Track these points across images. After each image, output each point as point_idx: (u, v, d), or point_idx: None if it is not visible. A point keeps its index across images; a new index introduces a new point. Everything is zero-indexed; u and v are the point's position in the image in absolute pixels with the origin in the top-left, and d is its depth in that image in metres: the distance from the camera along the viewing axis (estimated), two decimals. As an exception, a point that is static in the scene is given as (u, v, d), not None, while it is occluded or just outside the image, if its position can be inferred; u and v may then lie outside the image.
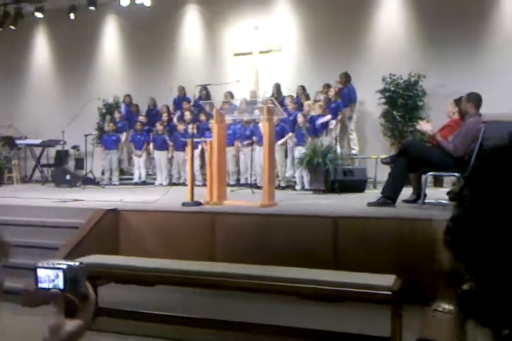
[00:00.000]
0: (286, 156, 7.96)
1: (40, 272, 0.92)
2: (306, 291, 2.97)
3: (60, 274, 0.91)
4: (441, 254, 0.73)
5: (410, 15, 8.83)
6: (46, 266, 0.93)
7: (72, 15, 10.37)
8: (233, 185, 7.84)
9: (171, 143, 8.98)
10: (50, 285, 0.91)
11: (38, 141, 10.08)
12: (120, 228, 4.80)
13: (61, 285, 0.90)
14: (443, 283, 0.76)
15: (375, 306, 2.98)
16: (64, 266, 0.91)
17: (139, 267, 3.55)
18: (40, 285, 0.92)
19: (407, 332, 2.89)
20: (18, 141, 10.10)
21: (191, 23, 10.58)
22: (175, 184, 8.44)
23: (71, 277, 0.91)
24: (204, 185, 7.63)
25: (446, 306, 0.80)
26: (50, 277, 0.91)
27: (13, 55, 11.83)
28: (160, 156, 9.01)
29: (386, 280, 2.96)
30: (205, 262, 3.71)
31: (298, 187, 7.49)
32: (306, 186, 7.26)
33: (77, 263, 0.93)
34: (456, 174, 4.56)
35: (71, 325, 0.88)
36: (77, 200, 5.71)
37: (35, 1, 10.67)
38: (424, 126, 5.09)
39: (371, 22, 9.07)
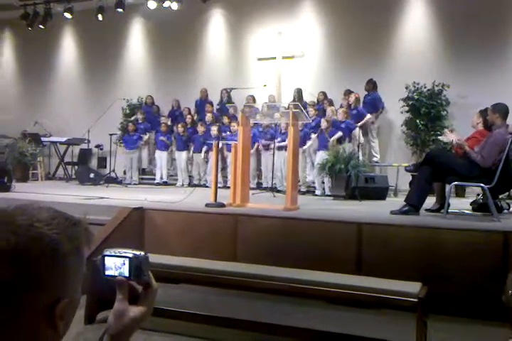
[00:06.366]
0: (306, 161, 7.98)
1: (108, 260, 0.96)
2: (333, 295, 2.99)
3: (126, 262, 0.95)
4: None
5: (435, 25, 8.82)
6: (113, 254, 0.97)
7: (100, 17, 10.55)
8: (253, 189, 7.86)
9: (191, 145, 9.10)
10: (116, 273, 0.95)
11: (62, 139, 10.23)
12: (145, 226, 4.87)
13: (126, 273, 0.95)
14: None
15: (401, 313, 2.99)
16: (130, 255, 0.95)
17: (164, 264, 3.60)
18: (106, 272, 0.96)
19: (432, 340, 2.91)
20: (43, 139, 10.23)
21: (216, 27, 10.70)
22: (196, 185, 8.51)
23: (136, 265, 0.95)
24: (225, 186, 7.69)
25: None
26: (116, 265, 0.96)
27: (42, 54, 12.07)
28: (180, 157, 9.12)
29: (412, 287, 2.97)
30: (232, 263, 3.74)
31: (318, 192, 7.51)
32: (327, 191, 7.28)
33: (142, 253, 0.97)
34: (481, 184, 4.54)
35: (135, 311, 0.92)
36: (102, 198, 5.82)
37: (64, 2, 10.89)
38: (450, 135, 5.10)
39: (395, 30, 9.07)
